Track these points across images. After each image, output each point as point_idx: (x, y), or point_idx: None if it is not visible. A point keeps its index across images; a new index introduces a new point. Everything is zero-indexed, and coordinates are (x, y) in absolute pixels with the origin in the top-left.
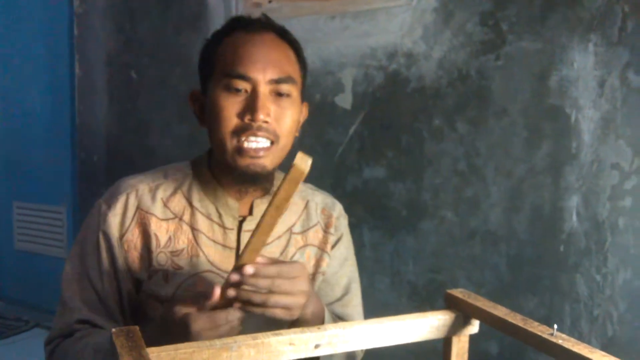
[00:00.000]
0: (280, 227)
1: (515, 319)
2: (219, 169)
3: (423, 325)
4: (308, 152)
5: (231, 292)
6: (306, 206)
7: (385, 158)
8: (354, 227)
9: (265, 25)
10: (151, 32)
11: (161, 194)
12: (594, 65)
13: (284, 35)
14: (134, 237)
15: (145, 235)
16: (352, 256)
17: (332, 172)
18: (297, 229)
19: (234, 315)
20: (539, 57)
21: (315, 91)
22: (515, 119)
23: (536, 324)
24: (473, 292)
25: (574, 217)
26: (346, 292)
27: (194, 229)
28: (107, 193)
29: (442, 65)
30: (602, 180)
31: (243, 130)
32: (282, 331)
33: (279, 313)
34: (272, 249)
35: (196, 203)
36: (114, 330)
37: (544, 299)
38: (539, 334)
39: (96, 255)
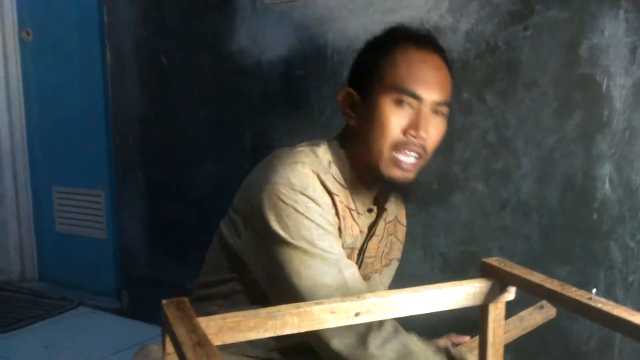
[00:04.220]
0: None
1: (553, 284)
2: (361, 164)
3: (460, 293)
4: (337, 129)
5: None
6: (389, 198)
7: None
8: None
9: (434, 46)
10: (179, 17)
11: (323, 175)
12: (624, 32)
13: (446, 57)
14: (335, 219)
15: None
16: None
17: None
18: (387, 219)
19: None
20: (568, 26)
21: (342, 69)
22: (545, 89)
23: (574, 288)
24: None
25: (607, 185)
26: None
27: (350, 209)
28: (287, 180)
29: (469, 38)
30: (635, 147)
31: (403, 144)
32: (323, 300)
33: None
34: (381, 237)
35: (347, 185)
36: (164, 301)
37: (577, 266)
38: (578, 298)
39: (327, 237)
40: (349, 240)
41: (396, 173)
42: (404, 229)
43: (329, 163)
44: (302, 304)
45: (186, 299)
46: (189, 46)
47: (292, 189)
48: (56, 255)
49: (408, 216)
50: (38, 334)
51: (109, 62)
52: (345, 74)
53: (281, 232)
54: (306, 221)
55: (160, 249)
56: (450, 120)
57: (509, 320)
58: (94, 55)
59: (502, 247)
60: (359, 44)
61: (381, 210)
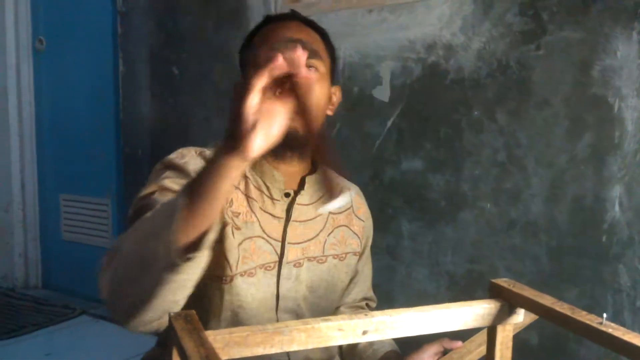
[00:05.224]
0: (321, 206)
1: (563, 307)
2: None
3: (468, 314)
4: (346, 144)
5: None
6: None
7: (424, 150)
8: (391, 218)
9: (291, 16)
10: (192, 29)
11: (208, 153)
12: (637, 54)
13: (310, 23)
14: None
15: None
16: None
17: (370, 164)
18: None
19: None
20: (580, 47)
21: (353, 84)
22: (556, 109)
23: (584, 313)
24: None
25: (617, 207)
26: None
27: (248, 197)
28: (169, 159)
29: (481, 57)
30: None
31: None
32: (331, 317)
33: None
34: (313, 225)
35: (248, 174)
36: (171, 313)
37: (585, 289)
38: (588, 322)
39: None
40: (239, 224)
41: None
42: (364, 224)
43: None
44: (310, 320)
45: (194, 312)
46: (202, 58)
47: (162, 163)
48: (61, 262)
49: (415, 234)
50: (40, 342)
51: (121, 71)
52: (357, 89)
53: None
54: (160, 182)
55: None
56: (460, 138)
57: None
58: (106, 64)
59: (510, 267)
60: (370, 59)
61: (296, 193)
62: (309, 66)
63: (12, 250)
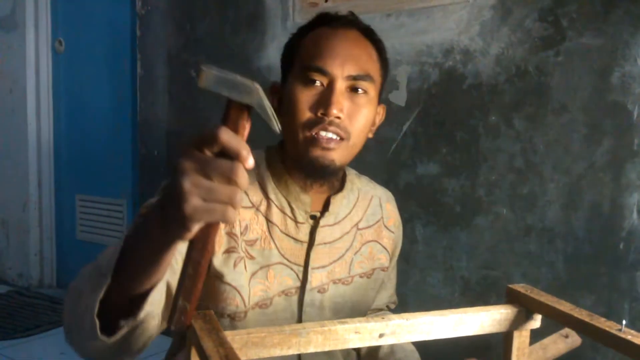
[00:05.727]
0: (348, 223)
1: (581, 314)
2: (290, 161)
3: (485, 319)
4: (362, 148)
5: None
6: (370, 201)
7: (440, 154)
8: (406, 222)
9: (349, 23)
10: (210, 32)
11: None
12: None
13: (368, 33)
14: None
15: None
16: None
17: (386, 168)
18: (362, 224)
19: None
20: (600, 53)
21: None
22: (574, 115)
23: (603, 319)
24: None
25: (635, 215)
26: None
27: (268, 220)
28: None
29: (499, 62)
30: None
31: (315, 124)
32: (347, 320)
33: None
34: (340, 244)
35: (271, 195)
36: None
37: (602, 297)
38: (607, 329)
39: None
40: (254, 252)
41: (316, 152)
42: (394, 236)
43: (256, 166)
44: (327, 322)
45: (212, 312)
46: (219, 61)
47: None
48: (75, 262)
49: (429, 238)
50: (55, 341)
51: (140, 73)
52: None
53: None
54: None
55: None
56: (476, 143)
57: (531, 348)
58: (124, 66)
59: (525, 274)
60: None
61: (321, 214)
62: (357, 89)
63: (27, 249)
